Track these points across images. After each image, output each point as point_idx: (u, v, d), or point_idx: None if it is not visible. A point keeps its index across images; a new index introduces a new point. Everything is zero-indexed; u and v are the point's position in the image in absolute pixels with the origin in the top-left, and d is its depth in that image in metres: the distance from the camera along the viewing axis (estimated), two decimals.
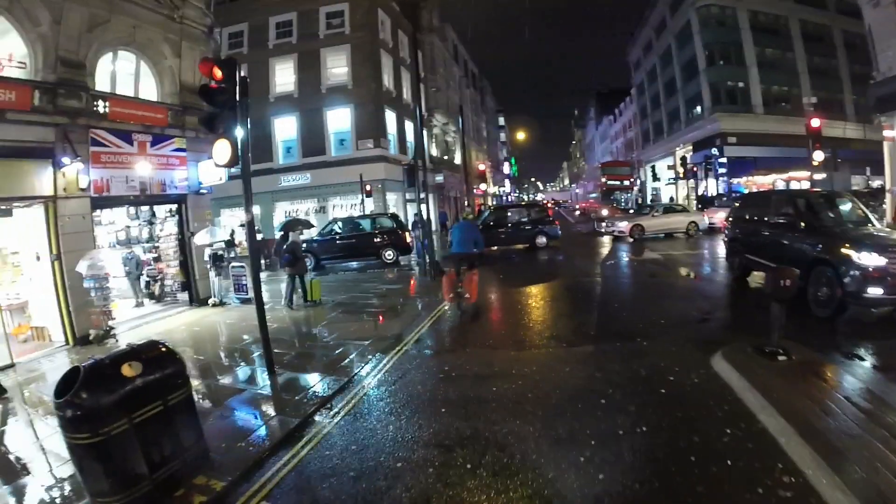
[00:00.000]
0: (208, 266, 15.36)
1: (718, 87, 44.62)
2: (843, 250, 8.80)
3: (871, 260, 8.38)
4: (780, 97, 44.80)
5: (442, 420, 6.11)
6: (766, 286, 6.63)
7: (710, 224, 27.82)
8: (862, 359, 7.01)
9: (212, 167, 14.02)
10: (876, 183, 34.25)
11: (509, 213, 26.27)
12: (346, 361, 8.87)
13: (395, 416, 6.35)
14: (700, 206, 33.79)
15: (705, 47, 45.25)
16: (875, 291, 8.29)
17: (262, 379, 8.29)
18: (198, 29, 16.13)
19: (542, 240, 24.91)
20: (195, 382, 8.11)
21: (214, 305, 15.20)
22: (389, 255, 22.38)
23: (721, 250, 19.19)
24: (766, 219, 11.82)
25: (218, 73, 7.59)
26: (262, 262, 26.18)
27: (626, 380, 6.79)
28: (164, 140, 14.68)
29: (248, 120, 8.18)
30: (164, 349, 5.26)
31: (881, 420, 4.98)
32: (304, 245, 19.88)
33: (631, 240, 26.13)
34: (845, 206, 10.97)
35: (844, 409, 5.26)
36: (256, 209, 30.19)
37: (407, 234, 22.59)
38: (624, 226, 27.33)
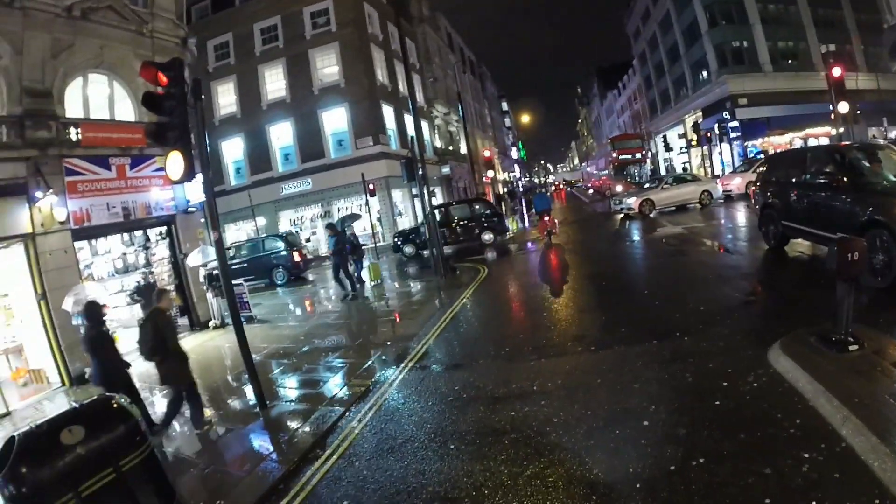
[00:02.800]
0: (205, 287, 14.58)
1: (723, 49, 42.96)
2: None
3: None
4: (787, 53, 43.17)
5: (450, 462, 5.10)
6: (830, 262, 5.46)
7: (725, 192, 26.32)
8: None
9: (201, 183, 13.24)
10: (893, 133, 32.93)
11: (451, 211, 25.00)
12: (350, 377, 8.29)
13: (396, 459, 5.36)
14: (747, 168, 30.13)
15: (706, 9, 43.52)
16: None
17: (253, 415, 7.50)
18: (171, 42, 15.24)
19: (488, 236, 23.90)
20: (180, 426, 7.67)
21: (216, 328, 14.48)
22: (280, 275, 22.10)
23: (743, 218, 18.03)
24: (802, 180, 10.53)
25: (163, 77, 6.63)
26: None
27: (670, 391, 5.65)
28: (145, 161, 13.91)
29: (205, 126, 7.21)
30: (113, 405, 4.51)
31: None
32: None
33: (642, 216, 24.54)
34: (890, 160, 9.73)
35: None
36: (261, 220, 29.41)
37: (297, 252, 21.88)
38: (633, 202, 25.71)
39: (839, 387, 4.74)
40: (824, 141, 33.72)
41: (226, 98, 32.27)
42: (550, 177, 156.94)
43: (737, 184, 26.22)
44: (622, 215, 26.40)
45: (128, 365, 7.63)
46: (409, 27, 39.88)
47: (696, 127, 41.70)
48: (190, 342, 13.26)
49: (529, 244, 21.94)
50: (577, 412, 5.60)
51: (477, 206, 25.06)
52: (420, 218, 23.59)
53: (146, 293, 13.87)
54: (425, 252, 21.38)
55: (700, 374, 5.90)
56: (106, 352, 7.32)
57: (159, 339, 7.11)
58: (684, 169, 45.94)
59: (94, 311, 7.44)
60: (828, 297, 5.81)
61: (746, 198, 22.43)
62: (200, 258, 14.01)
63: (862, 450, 3.96)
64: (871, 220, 8.04)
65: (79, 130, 12.44)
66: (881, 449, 3.83)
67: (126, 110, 14.26)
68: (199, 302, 14.97)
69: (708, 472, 4.10)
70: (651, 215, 24.31)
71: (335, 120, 30.86)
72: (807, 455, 4.05)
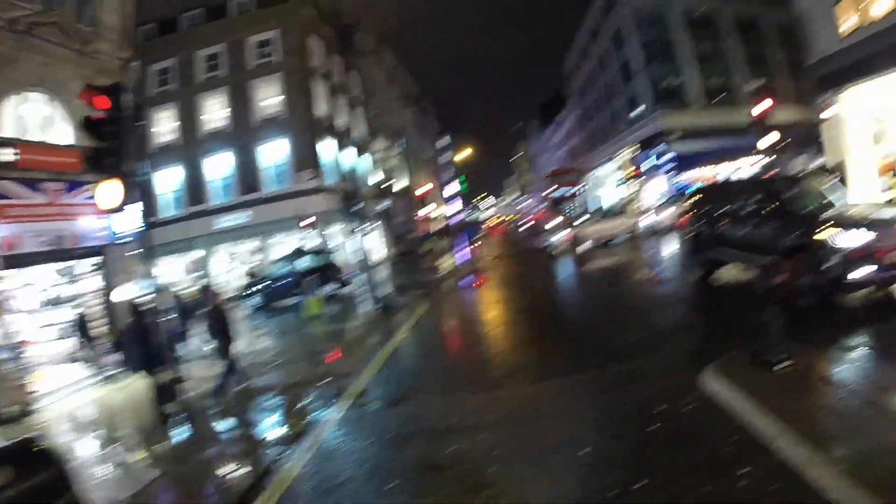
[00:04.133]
0: None
1: (657, 86, 44.74)
2: (822, 234, 8.06)
3: (852, 240, 7.69)
4: (719, 89, 45.35)
5: (392, 499, 5.01)
6: (758, 286, 5.79)
7: (654, 225, 26.79)
8: (867, 349, 6.20)
9: (136, 213, 12.80)
10: (818, 162, 35.06)
11: (287, 265, 23.48)
12: (287, 416, 8.07)
13: (335, 500, 5.24)
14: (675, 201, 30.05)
15: (641, 47, 45.40)
16: (860, 273, 7.61)
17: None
18: (114, 63, 14.80)
19: (329, 287, 22.04)
20: (110, 469, 7.30)
21: None
22: None
23: (673, 249, 18.64)
24: (731, 210, 11.01)
25: (103, 101, 6.46)
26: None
27: (609, 419, 5.73)
28: (79, 187, 13.28)
29: (144, 154, 7.01)
30: (38, 448, 4.35)
31: None
32: None
33: (570, 252, 24.32)
34: (812, 187, 10.31)
35: (876, 419, 4.45)
36: (198, 253, 28.69)
37: None
38: (561, 237, 25.51)
39: (772, 403, 4.94)
40: (754, 172, 35.34)
41: (165, 125, 31.14)
42: (490, 210, 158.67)
43: (665, 216, 26.70)
44: (549, 252, 26.14)
45: None
46: (354, 60, 40.06)
47: (631, 161, 43.04)
48: (121, 382, 12.69)
49: (467, 279, 21.96)
50: (518, 443, 5.59)
51: (319, 258, 23.90)
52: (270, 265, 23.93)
53: (82, 328, 13.27)
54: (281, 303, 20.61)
55: (638, 400, 5.99)
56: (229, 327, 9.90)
57: (222, 324, 9.78)
58: (630, 202, 46.89)
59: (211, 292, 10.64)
60: (758, 318, 6.02)
61: (674, 230, 23.27)
62: (133, 291, 13.49)
63: (798, 461, 4.12)
64: (797, 244, 8.46)
65: (16, 151, 11.89)
66: (816, 459, 4.00)
67: (64, 132, 13.67)
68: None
69: (651, 493, 4.15)
70: (578, 250, 24.19)
71: (275, 152, 30.44)
72: (745, 470, 4.16)
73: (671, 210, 26.42)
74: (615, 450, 5.00)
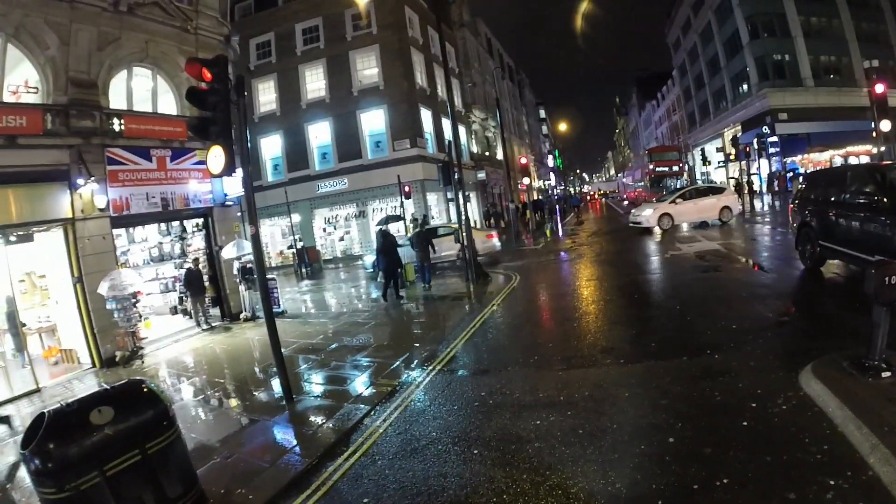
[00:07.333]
0: (238, 280, 14.86)
1: (764, 62, 42.26)
2: None
3: None
4: (829, 68, 42.30)
5: (472, 466, 5.12)
6: (867, 285, 5.35)
7: (635, 223, 24.99)
8: None
9: (239, 178, 13.52)
10: None
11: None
12: (377, 377, 8.45)
13: (418, 461, 5.41)
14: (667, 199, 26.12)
15: (747, 20, 42.86)
16: None
17: (279, 407, 7.62)
18: (214, 39, 15.66)
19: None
20: (206, 413, 8.01)
21: (246, 320, 14.87)
22: None
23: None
24: (841, 199, 10.25)
25: (207, 73, 6.82)
26: (304, 270, 25.96)
27: (698, 409, 5.56)
28: (185, 154, 14.30)
29: (246, 122, 7.37)
30: (143, 389, 4.70)
31: None
32: None
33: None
34: None
35: None
36: (295, 217, 29.80)
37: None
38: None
39: (870, 414, 4.62)
40: (865, 160, 33.00)
41: (266, 96, 32.92)
42: (586, 186, 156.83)
43: (647, 215, 24.59)
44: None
45: None
46: (449, 32, 39.96)
47: (734, 141, 41.00)
48: (220, 333, 13.68)
49: (562, 253, 21.65)
50: (602, 424, 5.56)
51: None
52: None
53: (195, 281, 14.20)
54: None
55: (729, 394, 5.79)
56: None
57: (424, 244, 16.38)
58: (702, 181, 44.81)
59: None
60: (863, 320, 5.72)
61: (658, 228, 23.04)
62: (235, 251, 14.32)
63: (889, 480, 3.86)
64: None
65: (122, 121, 12.90)
66: None
67: (168, 103, 14.70)
68: (231, 294, 15.32)
69: (731, 493, 4.04)
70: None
71: (373, 121, 31.26)
72: (832, 482, 3.96)
73: (655, 208, 24.47)
74: (701, 442, 4.87)
